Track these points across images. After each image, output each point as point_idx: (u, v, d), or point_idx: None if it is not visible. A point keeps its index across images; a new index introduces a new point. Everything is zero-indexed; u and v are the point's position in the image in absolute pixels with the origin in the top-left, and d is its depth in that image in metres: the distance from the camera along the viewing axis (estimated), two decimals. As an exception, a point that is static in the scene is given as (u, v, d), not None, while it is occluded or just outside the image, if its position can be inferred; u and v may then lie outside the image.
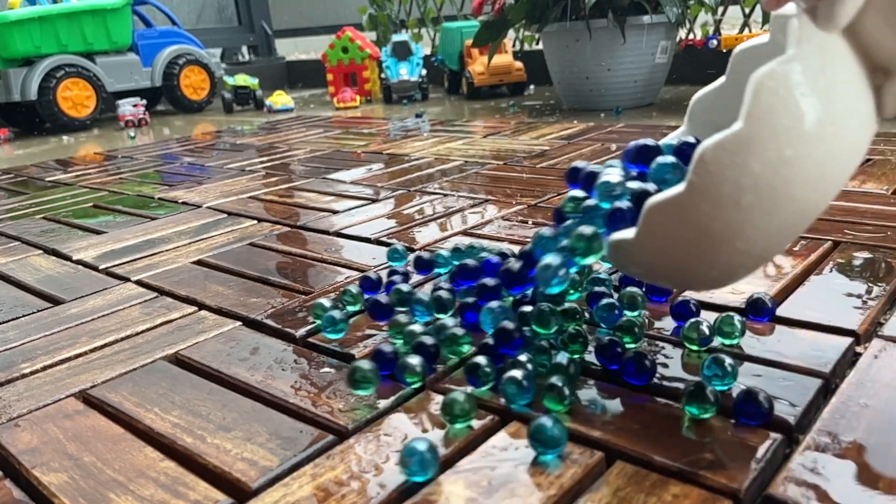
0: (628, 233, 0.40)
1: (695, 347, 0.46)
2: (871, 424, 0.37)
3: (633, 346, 0.47)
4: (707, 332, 0.46)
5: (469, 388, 0.44)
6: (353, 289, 0.58)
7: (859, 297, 0.52)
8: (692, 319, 0.47)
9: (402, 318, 0.52)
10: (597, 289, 0.53)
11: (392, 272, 0.61)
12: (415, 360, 0.45)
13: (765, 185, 0.35)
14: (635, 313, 0.51)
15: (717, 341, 0.47)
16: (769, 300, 0.50)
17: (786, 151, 0.34)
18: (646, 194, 0.41)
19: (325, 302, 0.55)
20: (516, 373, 0.41)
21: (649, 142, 0.45)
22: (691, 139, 0.44)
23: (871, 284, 0.54)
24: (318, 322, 0.54)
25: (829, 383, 0.42)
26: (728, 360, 0.41)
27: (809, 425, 0.38)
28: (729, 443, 0.36)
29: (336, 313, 0.52)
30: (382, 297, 0.54)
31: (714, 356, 0.41)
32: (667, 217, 0.37)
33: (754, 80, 0.34)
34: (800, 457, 0.35)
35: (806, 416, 0.39)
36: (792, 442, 0.37)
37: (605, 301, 0.49)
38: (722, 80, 0.48)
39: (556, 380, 0.40)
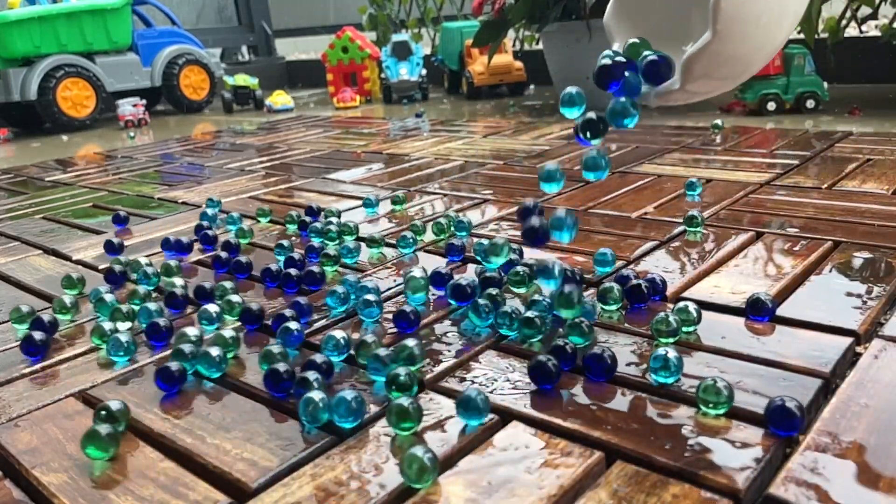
0: (672, 83, 0.46)
1: (664, 340, 0.47)
2: (871, 424, 0.37)
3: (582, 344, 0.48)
4: (675, 324, 0.47)
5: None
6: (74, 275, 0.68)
7: (859, 297, 0.52)
8: (661, 313, 0.48)
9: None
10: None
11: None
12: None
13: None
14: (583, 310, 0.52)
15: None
16: (769, 300, 0.50)
17: None
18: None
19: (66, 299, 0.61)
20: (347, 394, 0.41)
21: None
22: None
23: (871, 284, 0.54)
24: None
25: (830, 383, 0.42)
26: (673, 354, 0.42)
27: (809, 425, 0.38)
28: (729, 443, 0.36)
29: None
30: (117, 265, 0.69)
31: (662, 350, 0.42)
32: (705, 62, 0.44)
33: None
34: (800, 457, 0.35)
35: (806, 416, 0.39)
36: (792, 442, 0.37)
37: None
38: None
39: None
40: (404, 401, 0.39)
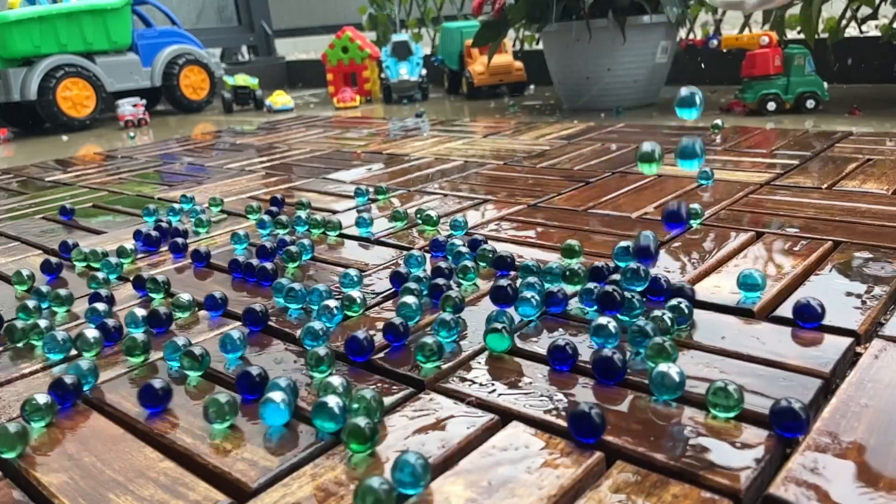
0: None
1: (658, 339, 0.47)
2: (871, 424, 0.37)
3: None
4: (669, 322, 0.47)
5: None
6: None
7: (859, 297, 0.52)
8: (655, 312, 0.48)
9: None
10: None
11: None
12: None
13: None
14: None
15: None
16: (818, 305, 0.48)
17: None
18: None
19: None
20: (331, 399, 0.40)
21: None
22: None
23: (871, 284, 0.54)
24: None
25: (830, 383, 0.42)
26: (675, 371, 0.41)
27: (809, 425, 0.38)
28: (729, 443, 0.36)
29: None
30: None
31: (663, 367, 0.41)
32: None
33: None
34: (800, 457, 0.35)
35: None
36: (792, 442, 0.37)
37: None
38: None
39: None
40: (361, 420, 0.37)
